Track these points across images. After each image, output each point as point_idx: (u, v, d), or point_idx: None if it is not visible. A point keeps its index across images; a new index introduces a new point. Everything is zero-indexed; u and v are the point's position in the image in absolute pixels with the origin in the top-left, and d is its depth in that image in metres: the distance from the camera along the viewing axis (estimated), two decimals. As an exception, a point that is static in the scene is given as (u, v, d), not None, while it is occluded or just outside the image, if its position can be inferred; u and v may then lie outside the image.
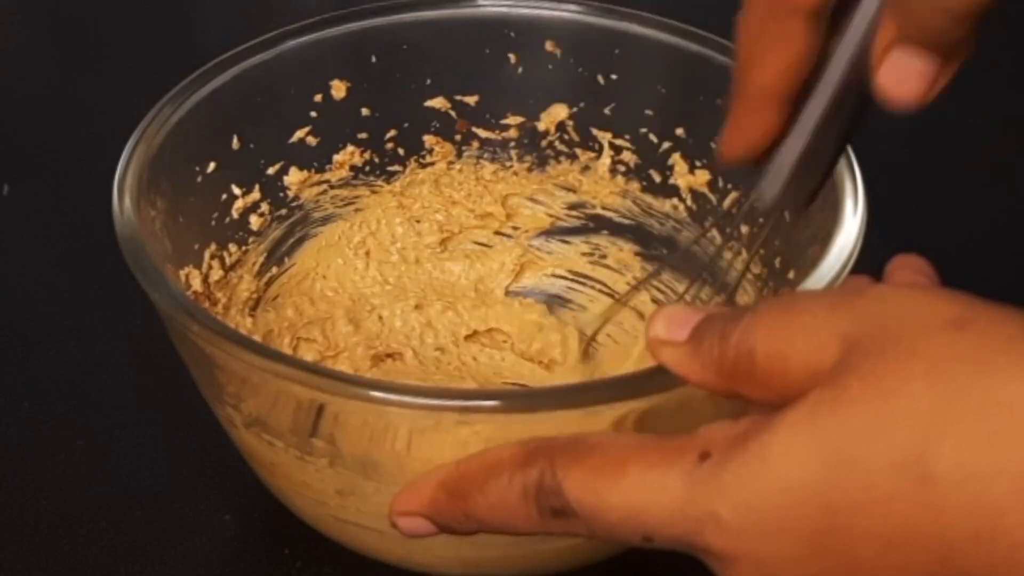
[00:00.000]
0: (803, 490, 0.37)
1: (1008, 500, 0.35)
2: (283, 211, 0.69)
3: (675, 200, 0.69)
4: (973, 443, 0.35)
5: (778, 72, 0.48)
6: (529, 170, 0.72)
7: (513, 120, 0.70)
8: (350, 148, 0.70)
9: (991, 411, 0.35)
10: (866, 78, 0.46)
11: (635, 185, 0.70)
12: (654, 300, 0.70)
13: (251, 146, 0.66)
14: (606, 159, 0.70)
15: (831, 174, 0.53)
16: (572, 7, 0.67)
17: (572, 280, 0.73)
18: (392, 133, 0.70)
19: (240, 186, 0.66)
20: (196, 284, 0.63)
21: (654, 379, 0.47)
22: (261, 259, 0.68)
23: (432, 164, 0.72)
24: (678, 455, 0.40)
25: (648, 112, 0.68)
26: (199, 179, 0.63)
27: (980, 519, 0.35)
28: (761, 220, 0.56)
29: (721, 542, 0.38)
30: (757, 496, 0.38)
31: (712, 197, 0.67)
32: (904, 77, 0.45)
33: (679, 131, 0.67)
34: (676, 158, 0.68)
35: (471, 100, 0.70)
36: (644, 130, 0.68)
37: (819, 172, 0.51)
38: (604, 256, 0.72)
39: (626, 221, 0.71)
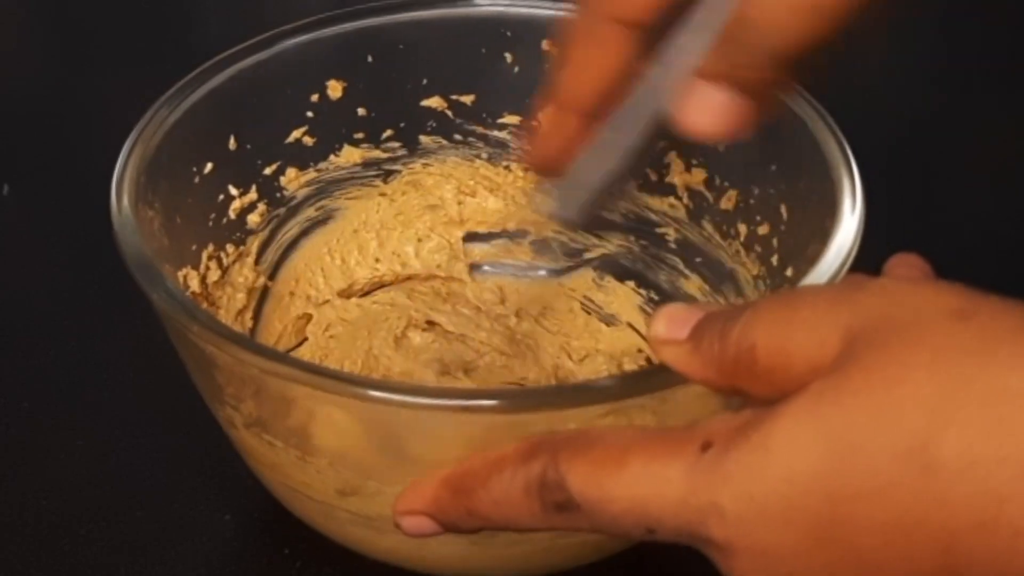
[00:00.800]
0: (806, 479, 0.37)
1: (1012, 487, 0.34)
2: (280, 211, 0.68)
3: (672, 199, 0.68)
4: (977, 431, 0.35)
5: (592, 79, 0.49)
6: (526, 170, 0.71)
7: (510, 120, 0.70)
8: (347, 148, 0.69)
9: (995, 400, 0.35)
10: (671, 105, 0.47)
11: (631, 183, 0.69)
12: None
13: (248, 146, 0.65)
14: (602, 158, 0.69)
15: (621, 194, 0.54)
16: (568, 6, 0.65)
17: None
18: (389, 133, 0.70)
19: (237, 187, 0.65)
20: (194, 285, 0.62)
21: (655, 377, 0.47)
22: (257, 259, 0.67)
23: (429, 163, 0.71)
24: (680, 446, 0.40)
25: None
26: (196, 180, 0.63)
27: (983, 506, 0.35)
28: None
29: (723, 532, 0.38)
30: (759, 485, 0.37)
31: (709, 195, 0.66)
32: (710, 110, 0.46)
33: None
34: (672, 156, 0.67)
35: (467, 99, 0.69)
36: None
37: (616, 192, 0.52)
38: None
39: (623, 220, 0.70)
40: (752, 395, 0.41)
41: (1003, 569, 0.35)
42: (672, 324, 0.43)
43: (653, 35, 0.47)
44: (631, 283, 0.71)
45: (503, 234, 0.73)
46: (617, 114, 0.49)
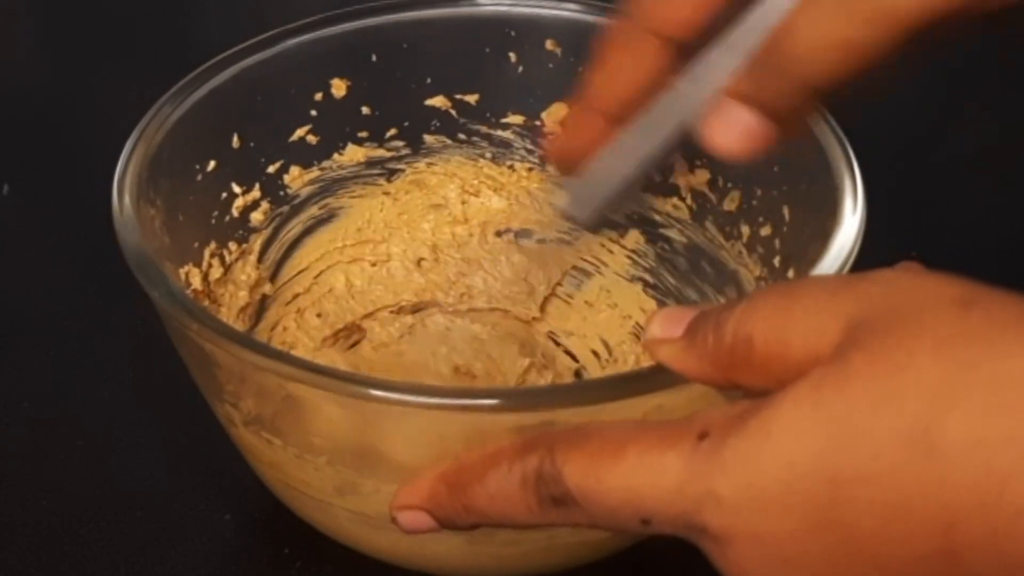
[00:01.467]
0: (807, 463, 0.37)
1: (1015, 467, 0.35)
2: (284, 209, 0.69)
3: (675, 199, 0.69)
4: (981, 414, 0.35)
5: (622, 84, 0.50)
6: (530, 169, 0.72)
7: (513, 119, 0.71)
8: (351, 147, 0.70)
9: (999, 383, 0.36)
10: (696, 119, 0.48)
11: (640, 189, 0.70)
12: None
13: (251, 144, 0.66)
14: (606, 158, 0.70)
15: (630, 198, 0.56)
16: (572, 6, 0.67)
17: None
18: (393, 132, 0.70)
19: (240, 184, 0.66)
20: (196, 282, 0.63)
21: (655, 377, 0.47)
22: (260, 256, 0.68)
23: (433, 163, 0.72)
24: (676, 437, 0.40)
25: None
26: (199, 177, 0.64)
27: (985, 487, 0.35)
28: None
29: (719, 520, 0.39)
30: (758, 471, 0.38)
31: (712, 196, 0.67)
32: (734, 129, 0.48)
33: (678, 129, 0.67)
34: (676, 157, 0.67)
35: (471, 99, 0.70)
36: (644, 129, 0.69)
37: (626, 195, 0.54)
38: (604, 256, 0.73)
39: (626, 220, 0.71)
40: (749, 387, 0.41)
41: (1003, 550, 0.35)
42: (667, 324, 0.44)
43: (687, 51, 0.49)
44: (638, 285, 0.72)
45: (507, 232, 0.74)
46: (640, 120, 0.51)
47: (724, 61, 0.48)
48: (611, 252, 0.72)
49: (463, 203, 0.73)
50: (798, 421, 0.38)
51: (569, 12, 0.67)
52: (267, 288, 0.69)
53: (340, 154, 0.70)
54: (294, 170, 0.69)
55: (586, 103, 0.53)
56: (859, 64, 0.45)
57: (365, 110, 0.69)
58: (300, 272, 0.71)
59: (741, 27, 0.48)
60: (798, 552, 0.38)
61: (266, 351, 0.51)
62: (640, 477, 0.40)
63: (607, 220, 0.53)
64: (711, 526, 0.39)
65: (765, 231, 0.63)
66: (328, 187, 0.70)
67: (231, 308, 0.66)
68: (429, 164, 0.72)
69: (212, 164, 0.64)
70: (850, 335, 0.38)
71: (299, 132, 0.68)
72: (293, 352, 0.68)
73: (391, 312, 0.73)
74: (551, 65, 0.68)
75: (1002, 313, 0.37)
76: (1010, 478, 0.35)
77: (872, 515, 0.37)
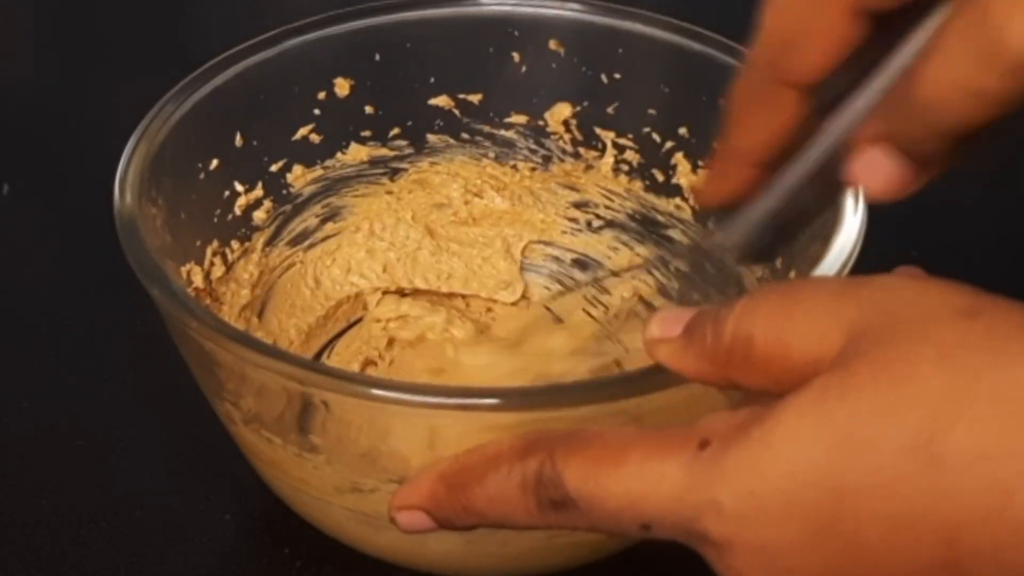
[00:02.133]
0: (809, 473, 0.38)
1: (1018, 480, 0.36)
2: (286, 208, 0.70)
3: (678, 200, 0.70)
4: (984, 426, 0.36)
5: (762, 137, 0.49)
6: (533, 169, 0.73)
7: (517, 119, 0.72)
8: (353, 146, 0.71)
9: (1003, 395, 0.36)
10: (843, 163, 0.47)
11: (638, 184, 0.71)
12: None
13: (254, 143, 0.67)
14: (609, 158, 0.71)
15: (792, 240, 0.55)
16: (575, 6, 0.68)
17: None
18: (396, 131, 0.72)
19: (243, 183, 0.67)
20: (198, 281, 0.64)
21: (654, 378, 0.48)
22: (263, 255, 0.69)
23: (436, 163, 0.73)
24: (678, 444, 0.41)
25: (651, 111, 0.69)
26: (201, 176, 0.65)
27: (989, 499, 0.36)
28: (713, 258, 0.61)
29: (720, 528, 0.39)
30: (760, 481, 0.39)
31: None
32: (876, 174, 0.46)
33: (682, 130, 0.68)
34: (679, 157, 0.69)
35: (475, 99, 0.71)
36: (647, 129, 0.69)
37: (780, 235, 0.53)
38: (608, 256, 0.74)
39: (629, 221, 0.72)
40: (746, 386, 0.42)
41: (1006, 561, 0.36)
42: (665, 324, 0.45)
43: (823, 91, 0.48)
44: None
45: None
46: (793, 164, 0.51)
47: (863, 101, 0.48)
48: (616, 251, 0.73)
49: (466, 203, 0.74)
50: (801, 431, 0.38)
51: (572, 12, 0.68)
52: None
53: (343, 153, 0.71)
54: (297, 169, 0.70)
55: (729, 154, 0.52)
56: (993, 111, 0.42)
57: (368, 109, 0.70)
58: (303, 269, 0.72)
59: (882, 69, 0.47)
60: (799, 561, 0.39)
61: (266, 350, 0.52)
62: (641, 483, 0.41)
63: (754, 254, 0.54)
64: (712, 534, 0.40)
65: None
66: (331, 186, 0.71)
67: (233, 306, 0.67)
68: (432, 163, 0.73)
69: (215, 163, 0.65)
70: (853, 342, 0.39)
71: (302, 131, 0.69)
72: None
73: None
74: (554, 65, 0.69)
75: (1005, 323, 0.38)
76: (1014, 491, 0.36)
77: (874, 526, 0.37)
